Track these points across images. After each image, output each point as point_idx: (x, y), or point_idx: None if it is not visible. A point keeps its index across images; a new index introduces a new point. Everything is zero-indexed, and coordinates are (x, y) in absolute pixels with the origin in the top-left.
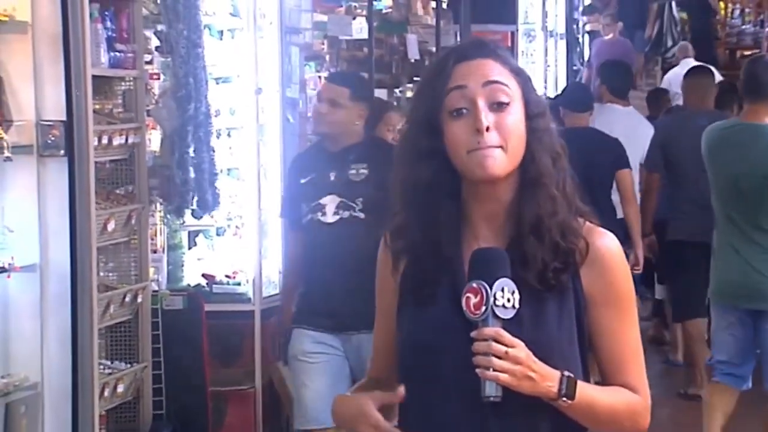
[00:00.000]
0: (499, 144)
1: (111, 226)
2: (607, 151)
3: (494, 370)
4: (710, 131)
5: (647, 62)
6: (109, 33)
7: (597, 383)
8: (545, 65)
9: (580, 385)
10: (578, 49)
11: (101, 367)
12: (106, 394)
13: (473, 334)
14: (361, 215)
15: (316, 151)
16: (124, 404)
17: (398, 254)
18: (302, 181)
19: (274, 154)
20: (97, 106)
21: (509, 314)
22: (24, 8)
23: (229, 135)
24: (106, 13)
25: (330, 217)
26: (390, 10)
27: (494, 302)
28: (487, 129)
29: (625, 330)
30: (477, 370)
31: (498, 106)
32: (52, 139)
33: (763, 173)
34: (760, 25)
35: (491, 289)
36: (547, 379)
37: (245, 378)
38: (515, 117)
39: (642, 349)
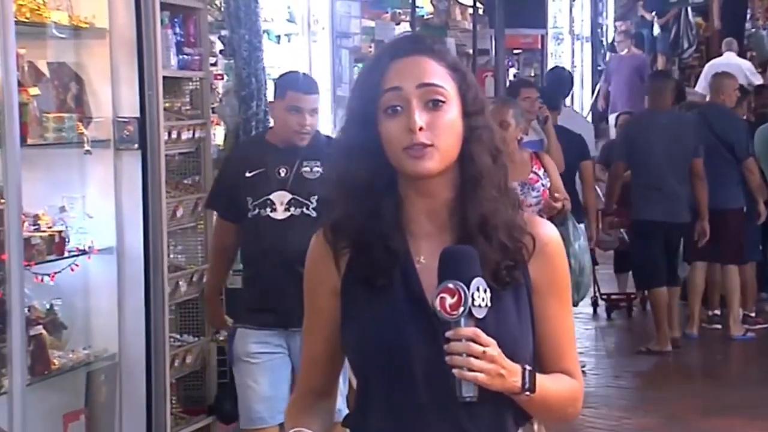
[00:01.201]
0: (432, 142)
1: (179, 213)
2: (573, 145)
3: (470, 370)
4: (762, 129)
5: (666, 63)
6: (178, 38)
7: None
8: (572, 66)
9: (538, 377)
10: (602, 51)
11: (172, 340)
12: (176, 364)
13: (449, 334)
14: (314, 213)
15: (261, 145)
16: (192, 374)
17: (340, 248)
18: (248, 174)
19: None
20: (167, 104)
21: (483, 313)
22: (102, 16)
23: None
24: (176, 19)
25: (280, 214)
26: (431, 16)
27: (472, 303)
28: (420, 129)
29: (564, 317)
30: (454, 371)
31: (433, 105)
32: (127, 134)
33: None
34: None
35: (468, 289)
36: (513, 374)
37: None
38: (449, 116)
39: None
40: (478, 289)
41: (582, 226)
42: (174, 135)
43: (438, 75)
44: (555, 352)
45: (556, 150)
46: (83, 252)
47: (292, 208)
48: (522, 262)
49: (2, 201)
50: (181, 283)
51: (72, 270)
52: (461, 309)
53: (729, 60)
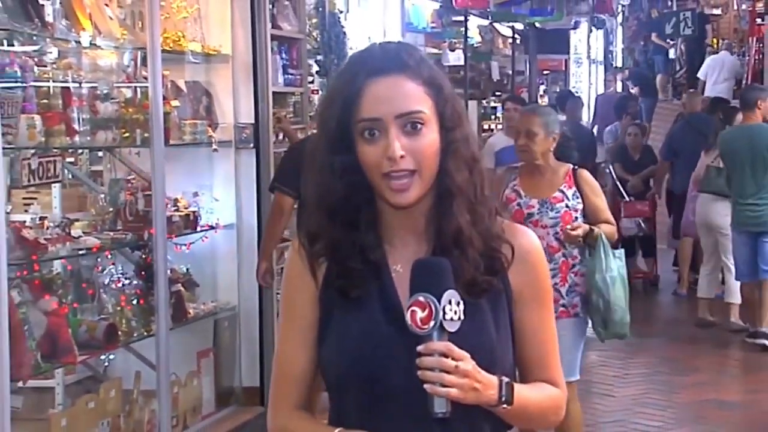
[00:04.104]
0: (413, 168)
1: None
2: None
3: (442, 385)
4: (722, 135)
5: (663, 81)
6: (284, 61)
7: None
8: (589, 84)
9: (516, 388)
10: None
11: (278, 295)
12: None
13: (420, 348)
14: None
15: None
16: None
17: (316, 257)
18: None
19: None
20: (275, 113)
21: (456, 327)
22: (227, 45)
23: None
24: (282, 47)
25: None
26: (480, 44)
27: (443, 316)
28: (401, 156)
29: (546, 325)
30: (426, 386)
31: (411, 128)
32: (245, 136)
33: None
34: (742, 55)
35: (440, 302)
36: (489, 387)
37: None
38: (429, 138)
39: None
40: (450, 302)
41: (621, 251)
42: (281, 137)
43: (415, 98)
44: (537, 360)
45: None
46: (211, 227)
47: None
48: (501, 270)
49: (150, 188)
50: (285, 252)
51: (203, 241)
52: (432, 323)
53: (723, 56)
